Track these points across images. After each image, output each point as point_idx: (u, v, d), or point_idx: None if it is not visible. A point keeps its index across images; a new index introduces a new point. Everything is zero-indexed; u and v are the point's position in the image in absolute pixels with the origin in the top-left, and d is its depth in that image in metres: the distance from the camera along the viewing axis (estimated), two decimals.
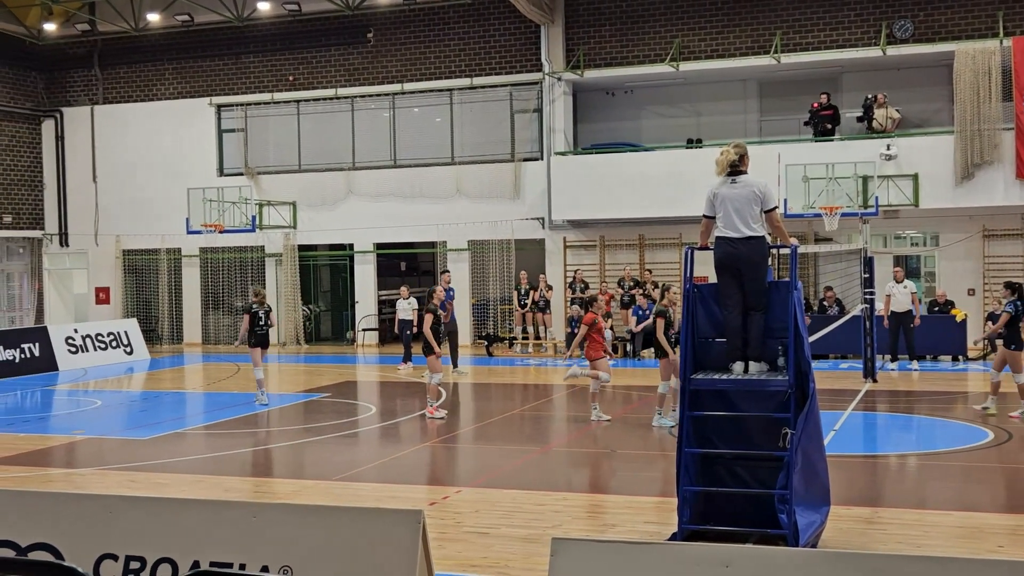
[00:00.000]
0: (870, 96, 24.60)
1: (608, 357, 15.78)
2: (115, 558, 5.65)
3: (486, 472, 12.34)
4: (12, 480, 12.06)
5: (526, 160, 27.21)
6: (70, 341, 24.72)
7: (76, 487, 11.71)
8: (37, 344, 23.79)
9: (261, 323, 17.61)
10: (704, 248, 8.98)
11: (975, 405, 15.84)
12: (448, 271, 25.25)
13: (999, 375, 15.30)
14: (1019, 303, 14.98)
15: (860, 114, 24.81)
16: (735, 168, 8.75)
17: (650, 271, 25.21)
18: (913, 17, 24.32)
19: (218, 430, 15.74)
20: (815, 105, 24.91)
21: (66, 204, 31.43)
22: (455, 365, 21.87)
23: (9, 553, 5.76)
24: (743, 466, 8.82)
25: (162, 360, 26.40)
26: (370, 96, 28.64)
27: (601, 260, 26.50)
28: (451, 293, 22.79)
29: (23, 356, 23.35)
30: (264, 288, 21.18)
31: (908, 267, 24.59)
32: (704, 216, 8.87)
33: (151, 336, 29.19)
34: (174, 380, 22.95)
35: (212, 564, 5.48)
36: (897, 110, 24.48)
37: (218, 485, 11.66)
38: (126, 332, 26.41)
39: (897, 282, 20.74)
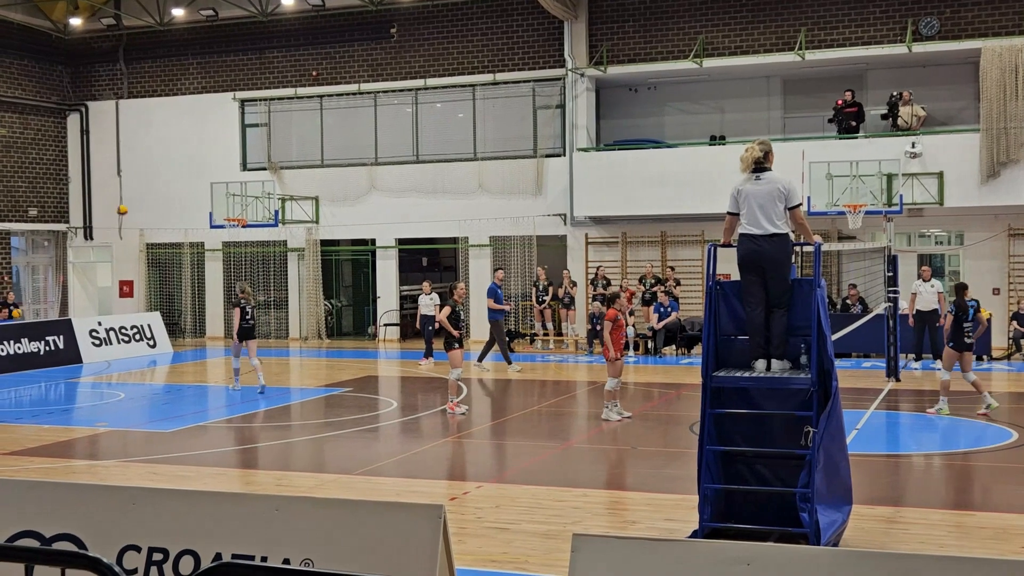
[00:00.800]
0: (895, 93, 24.45)
1: (626, 354, 15.72)
2: (138, 549, 5.68)
3: (506, 468, 12.35)
4: (36, 471, 12.15)
5: (548, 156, 27.19)
6: (94, 334, 24.88)
7: (99, 479, 11.80)
8: (61, 337, 23.96)
9: (248, 317, 18.67)
10: (727, 245, 8.94)
11: (928, 408, 15.77)
12: (501, 269, 24.91)
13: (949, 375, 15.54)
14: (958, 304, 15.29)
15: (885, 111, 24.66)
16: (760, 165, 8.72)
17: (672, 268, 25.15)
18: (939, 14, 24.15)
19: (240, 424, 15.81)
20: (839, 102, 24.78)
21: (91, 198, 31.62)
22: (480, 360, 21.78)
23: (33, 543, 5.80)
24: (764, 464, 8.79)
25: (185, 353, 26.53)
26: (393, 92, 28.69)
27: (623, 257, 26.46)
28: (498, 290, 22.26)
29: (48, 348, 23.52)
30: (250, 285, 21.45)
31: (932, 266, 24.43)
32: (728, 213, 8.83)
33: (174, 329, 29.33)
34: (196, 373, 23.06)
35: (234, 556, 5.50)
36: (923, 107, 24.33)
37: (240, 478, 11.72)
38: (149, 325, 26.56)
39: (924, 281, 20.57)
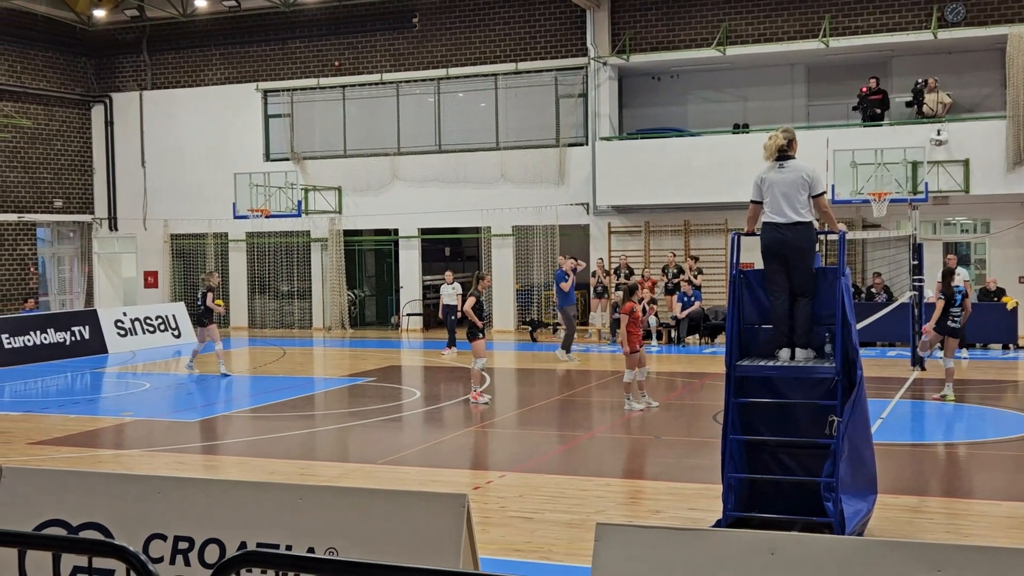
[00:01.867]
0: (920, 81, 24.26)
1: (648, 343, 15.66)
2: (164, 538, 5.72)
3: (530, 457, 12.36)
4: (63, 460, 12.25)
5: (571, 145, 27.13)
6: (119, 324, 25.04)
7: (125, 468, 11.88)
8: (87, 327, 24.12)
9: (199, 303, 20.02)
10: (751, 234, 8.90)
11: (934, 395, 15.73)
12: (574, 257, 23.27)
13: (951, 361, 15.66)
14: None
15: (910, 99, 24.47)
16: (783, 153, 8.67)
17: (695, 258, 25.06)
18: (965, 0, 23.93)
19: (264, 413, 15.89)
20: (864, 90, 24.61)
21: (115, 189, 31.80)
22: (567, 350, 21.32)
23: (60, 532, 5.85)
24: (789, 453, 8.76)
25: (209, 343, 26.59)
26: (415, 81, 28.69)
27: (646, 246, 26.39)
28: (563, 275, 21.60)
29: (73, 339, 23.68)
30: (217, 273, 21.94)
31: (958, 254, 24.26)
32: (752, 201, 8.79)
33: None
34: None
35: (259, 545, 5.53)
36: (948, 95, 24.13)
37: (264, 467, 11.77)
38: (174, 315, 26.71)
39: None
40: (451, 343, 23.02)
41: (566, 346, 21.34)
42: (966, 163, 22.92)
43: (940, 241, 24.42)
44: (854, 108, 24.93)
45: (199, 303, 20.21)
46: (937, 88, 24.03)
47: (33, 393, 18.91)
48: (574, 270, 21.73)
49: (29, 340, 22.75)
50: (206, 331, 20.05)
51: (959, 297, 15.31)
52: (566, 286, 21.37)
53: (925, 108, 23.97)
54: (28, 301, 28.24)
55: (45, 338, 22.89)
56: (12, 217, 29.14)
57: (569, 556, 8.17)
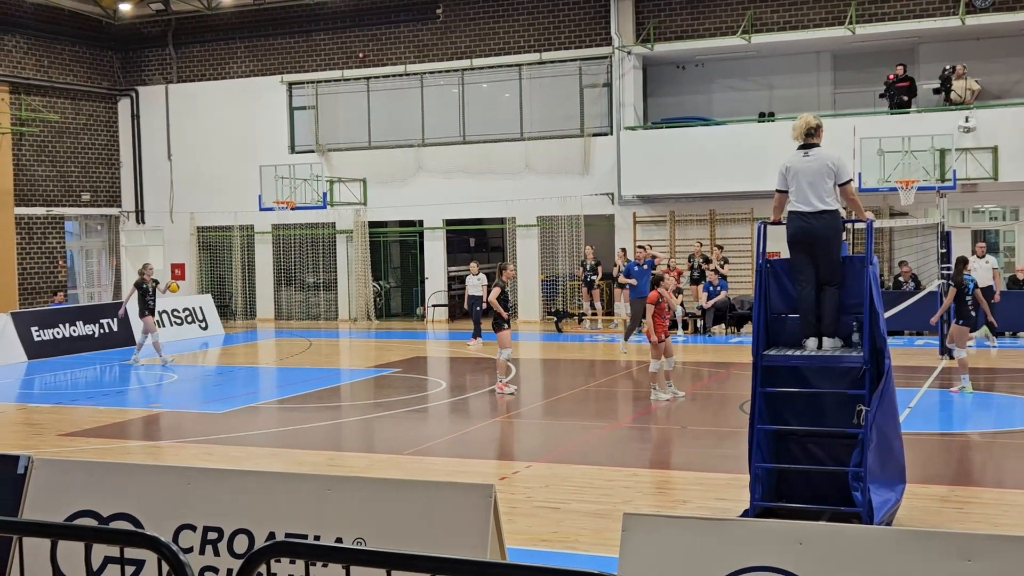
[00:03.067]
0: (948, 67, 24.05)
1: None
2: (193, 528, 5.77)
3: (556, 447, 12.36)
4: (93, 452, 12.36)
5: (595, 135, 27.07)
6: None
7: (155, 459, 11.97)
8: (115, 319, 24.28)
9: (151, 295, 20.81)
10: (777, 223, 8.86)
11: (951, 389, 15.53)
12: (643, 247, 23.03)
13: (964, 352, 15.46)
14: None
15: (937, 86, 24.26)
16: (809, 140, 8.62)
17: (720, 247, 24.97)
18: None
19: (291, 404, 15.96)
20: (891, 77, 24.41)
21: (142, 182, 31.98)
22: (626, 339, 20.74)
23: (91, 522, 5.91)
24: (816, 443, 8.72)
25: (236, 335, 26.81)
26: (439, 72, 28.68)
27: (671, 236, 26.32)
28: (633, 266, 20.55)
29: (102, 331, 23.85)
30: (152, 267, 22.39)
31: (987, 242, 24.05)
32: (777, 191, 8.74)
33: (225, 312, 29.63)
34: (248, 355, 23.30)
35: (287, 535, 5.56)
36: (976, 81, 23.91)
37: (292, 458, 11.83)
38: (201, 308, 26.86)
39: (979, 257, 20.24)
40: (476, 334, 23.04)
41: (626, 336, 20.78)
42: (995, 150, 22.71)
43: (968, 229, 24.23)
44: (880, 96, 24.75)
45: (152, 294, 20.82)
46: (965, 75, 23.81)
47: (63, 385, 19.07)
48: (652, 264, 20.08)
49: (58, 333, 22.94)
50: (150, 321, 20.71)
51: (971, 286, 15.16)
52: (624, 279, 20.60)
53: (953, 95, 23.76)
54: (57, 294, 28.49)
55: (74, 331, 23.07)
56: (40, 211, 29.37)
57: (596, 546, 8.17)
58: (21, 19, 28.91)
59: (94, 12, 30.73)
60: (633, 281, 19.68)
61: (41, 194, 29.52)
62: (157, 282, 21.43)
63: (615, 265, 24.97)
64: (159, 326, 25.24)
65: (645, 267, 19.45)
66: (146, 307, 20.69)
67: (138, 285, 20.84)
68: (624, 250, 25.52)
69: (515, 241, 27.93)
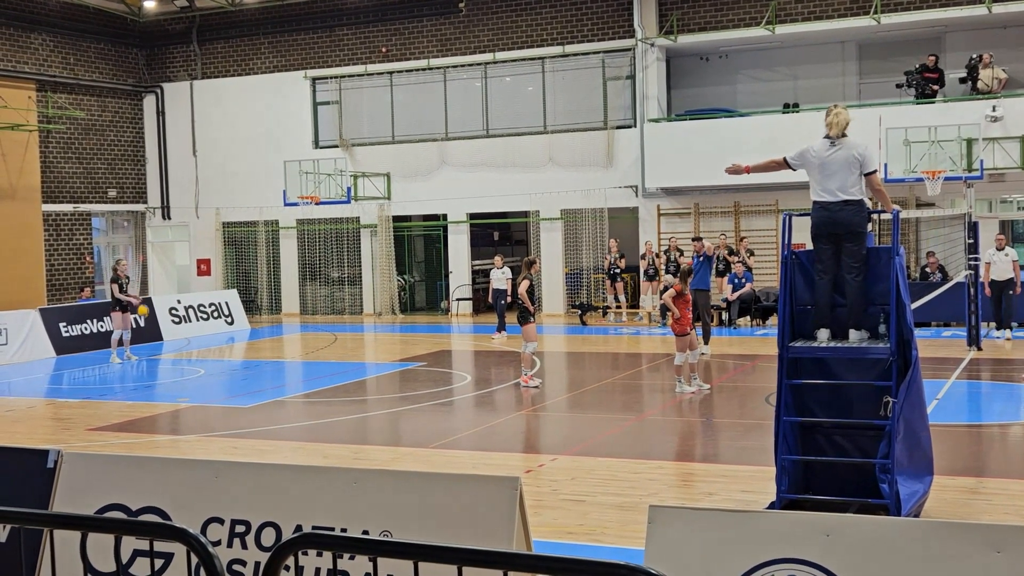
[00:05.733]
0: (975, 56, 23.84)
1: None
2: (221, 521, 5.80)
3: (581, 440, 12.36)
4: (122, 446, 12.45)
5: (619, 128, 27.00)
6: (173, 312, 25.36)
7: (182, 453, 12.05)
8: (142, 315, 24.42)
9: (123, 290, 20.83)
10: (756, 170, 9.15)
11: (1020, 378, 15.41)
12: (700, 239, 22.13)
13: None
14: None
15: (964, 75, 24.05)
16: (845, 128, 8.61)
17: (744, 239, 24.86)
18: None
19: (317, 398, 16.03)
20: (917, 66, 24.18)
21: (168, 178, 32.15)
22: (706, 341, 19.01)
23: (120, 515, 5.95)
24: (843, 435, 8.68)
25: (261, 330, 26.94)
26: (462, 66, 28.68)
27: (695, 228, 26.22)
28: (696, 261, 19.30)
29: (131, 327, 23.96)
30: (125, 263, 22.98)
31: (1014, 232, 23.86)
32: (784, 158, 8.81)
33: (251, 307, 29.77)
34: (273, 349, 23.41)
35: (314, 528, 5.59)
36: (1004, 70, 23.69)
37: (318, 452, 11.88)
38: (227, 303, 27.00)
39: (998, 249, 20.03)
40: (501, 327, 23.06)
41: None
42: (1022, 139, 22.50)
43: (996, 219, 24.01)
44: (898, 86, 24.39)
45: (123, 289, 20.91)
46: (992, 63, 23.60)
47: (91, 380, 19.22)
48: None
49: (86, 328, 23.12)
50: (118, 317, 20.82)
51: None
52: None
53: (980, 84, 23.55)
54: (84, 290, 28.70)
55: (102, 326, 23.21)
56: (68, 207, 29.58)
57: (621, 539, 8.17)
58: (47, 17, 29.12)
59: (119, 9, 30.90)
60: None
61: (68, 191, 29.73)
62: (129, 278, 21.68)
63: (642, 257, 24.93)
64: (186, 322, 25.44)
65: (702, 259, 19.06)
66: (117, 302, 20.84)
67: (115, 280, 21.00)
68: (650, 242, 25.48)
69: (539, 234, 27.91)
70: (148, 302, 24.68)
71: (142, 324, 24.22)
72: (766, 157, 9.28)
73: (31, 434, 13.56)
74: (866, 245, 8.54)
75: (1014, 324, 20.57)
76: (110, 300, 21.21)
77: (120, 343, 21.05)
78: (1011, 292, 19.98)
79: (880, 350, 8.23)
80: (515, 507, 5.32)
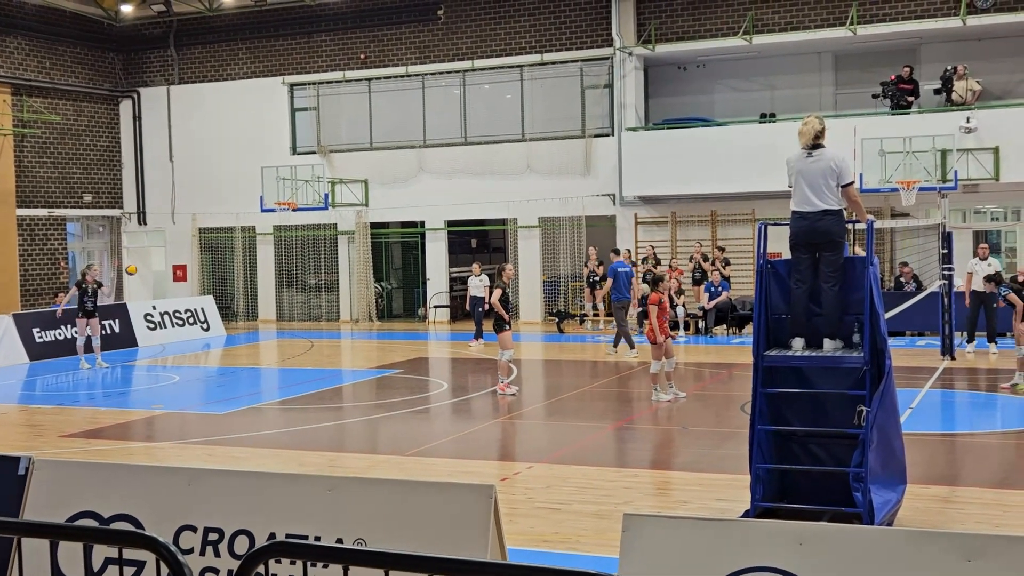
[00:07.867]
0: (950, 68, 24.03)
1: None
2: (194, 529, 5.77)
3: (557, 448, 12.36)
4: (94, 453, 12.36)
5: (597, 136, 27.07)
6: (149, 318, 25.21)
7: (156, 460, 11.97)
8: (117, 321, 24.30)
9: (89, 296, 20.65)
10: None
11: (1003, 384, 15.53)
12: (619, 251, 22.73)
13: None
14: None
15: (939, 86, 24.24)
16: (818, 137, 8.63)
17: (721, 249, 24.95)
18: None
19: (293, 405, 15.96)
20: (892, 77, 24.37)
21: (144, 183, 31.99)
22: (632, 346, 20.15)
23: (92, 523, 5.91)
24: (817, 443, 8.72)
25: (238, 336, 26.82)
26: (441, 73, 28.69)
27: (673, 236, 26.31)
28: (627, 270, 20.81)
29: (104, 332, 23.76)
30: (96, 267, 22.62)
31: (989, 242, 24.02)
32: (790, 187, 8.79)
33: (227, 313, 29.65)
34: (249, 356, 23.30)
35: (288, 536, 5.56)
36: (978, 82, 23.90)
37: (293, 459, 11.83)
38: (203, 309, 26.87)
39: (981, 259, 20.09)
40: (478, 335, 23.05)
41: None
42: (996, 150, 22.70)
43: (970, 229, 24.20)
44: (874, 96, 24.59)
45: (90, 296, 20.67)
46: (967, 75, 23.80)
47: (64, 386, 19.08)
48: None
49: (60, 334, 22.95)
50: (82, 324, 20.73)
51: None
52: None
53: (954, 95, 23.75)
54: (59, 296, 28.46)
55: (76, 332, 23.04)
56: (42, 212, 29.38)
57: (597, 547, 8.17)
58: (23, 21, 28.94)
59: (96, 13, 30.75)
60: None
61: (43, 195, 29.54)
62: (100, 284, 21.44)
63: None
64: (161, 328, 25.30)
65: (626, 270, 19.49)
66: (82, 308, 20.66)
67: (78, 285, 20.86)
68: (628, 251, 25.51)
69: (517, 242, 27.93)
70: (123, 307, 24.52)
71: (117, 330, 24.08)
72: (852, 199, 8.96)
73: (2, 441, 13.44)
74: (843, 254, 8.60)
75: (1007, 334, 20.73)
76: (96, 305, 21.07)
77: (88, 349, 20.90)
78: (995, 305, 19.98)
79: (854, 359, 8.28)
80: (490, 515, 5.31)
